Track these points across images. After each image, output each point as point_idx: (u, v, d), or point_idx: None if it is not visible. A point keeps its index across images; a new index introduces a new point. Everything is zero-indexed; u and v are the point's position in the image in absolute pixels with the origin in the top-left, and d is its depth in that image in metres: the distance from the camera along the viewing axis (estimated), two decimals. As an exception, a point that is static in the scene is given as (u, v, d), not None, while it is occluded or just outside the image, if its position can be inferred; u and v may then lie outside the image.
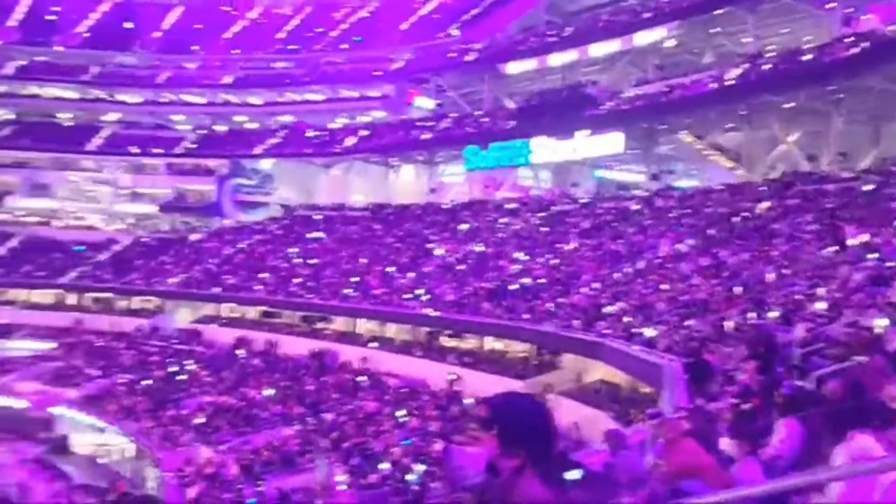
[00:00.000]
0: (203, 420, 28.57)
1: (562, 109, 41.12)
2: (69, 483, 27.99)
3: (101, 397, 33.05)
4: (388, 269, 36.76)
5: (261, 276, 40.84)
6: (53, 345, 40.95)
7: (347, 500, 19.89)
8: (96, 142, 58.35)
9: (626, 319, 22.46)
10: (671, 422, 5.85)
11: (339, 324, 36.27)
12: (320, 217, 48.53)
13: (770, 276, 20.07)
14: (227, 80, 59.83)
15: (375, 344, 33.14)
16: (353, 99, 55.43)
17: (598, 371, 23.98)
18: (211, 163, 56.70)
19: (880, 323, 10.17)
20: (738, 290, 20.09)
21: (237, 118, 60.08)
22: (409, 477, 20.46)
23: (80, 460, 31.50)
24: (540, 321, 26.17)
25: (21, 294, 48.54)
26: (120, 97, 60.48)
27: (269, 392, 30.13)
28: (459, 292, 31.36)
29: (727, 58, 38.30)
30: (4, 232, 53.28)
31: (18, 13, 63.61)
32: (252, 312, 40.33)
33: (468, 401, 25.39)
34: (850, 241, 19.87)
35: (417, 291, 32.73)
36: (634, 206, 35.13)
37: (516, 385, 23.09)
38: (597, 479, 6.11)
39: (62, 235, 52.85)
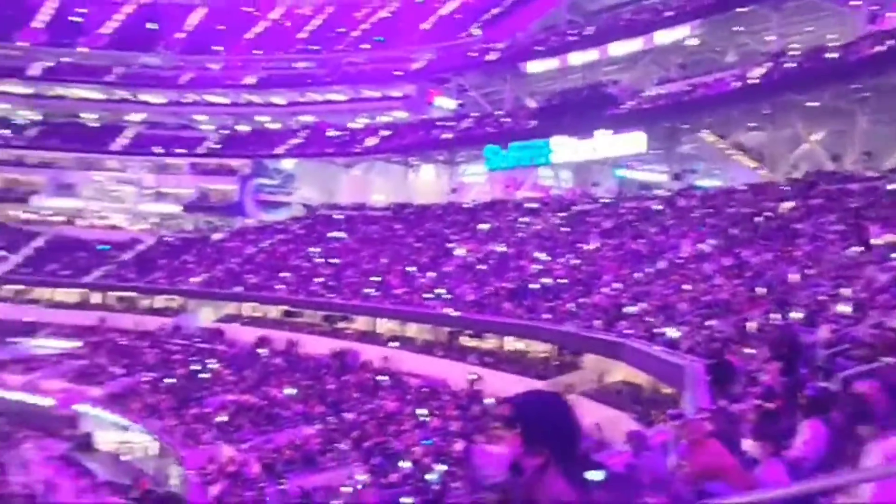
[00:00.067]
0: (225, 418, 28.76)
1: (583, 109, 40.98)
2: (94, 480, 28.28)
3: (125, 395, 33.35)
4: (409, 269, 36.81)
5: (282, 275, 41.04)
6: (78, 343, 41.37)
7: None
8: (121, 142, 58.93)
9: (647, 320, 22.36)
10: (694, 423, 5.83)
11: (360, 323, 36.38)
12: (341, 217, 48.69)
13: (793, 277, 19.92)
14: (250, 80, 60.21)
15: (396, 343, 33.21)
16: (375, 99, 55.57)
17: (620, 372, 23.90)
18: (233, 163, 57.09)
19: (906, 324, 10.06)
20: (761, 290, 19.96)
21: (259, 118, 60.44)
22: (429, 476, 20.51)
23: (104, 458, 31.83)
24: (561, 321, 26.11)
25: (46, 293, 49.13)
26: (144, 98, 61.06)
27: (290, 391, 30.29)
28: (480, 292, 31.36)
29: (750, 56, 38.01)
30: (30, 231, 53.97)
31: (44, 15, 64.37)
32: (274, 312, 40.55)
33: (488, 401, 25.41)
34: (874, 242, 19.69)
35: (438, 291, 32.76)
36: (656, 206, 34.94)
37: (537, 385, 23.06)
38: (619, 481, 6.10)
39: (87, 235, 53.43)
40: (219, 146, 58.36)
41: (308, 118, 58.47)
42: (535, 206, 41.14)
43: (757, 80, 34.31)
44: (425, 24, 58.73)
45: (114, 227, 55.26)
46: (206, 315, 43.08)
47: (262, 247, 47.15)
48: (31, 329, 44.20)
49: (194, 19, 65.93)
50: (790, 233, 24.88)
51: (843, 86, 31.82)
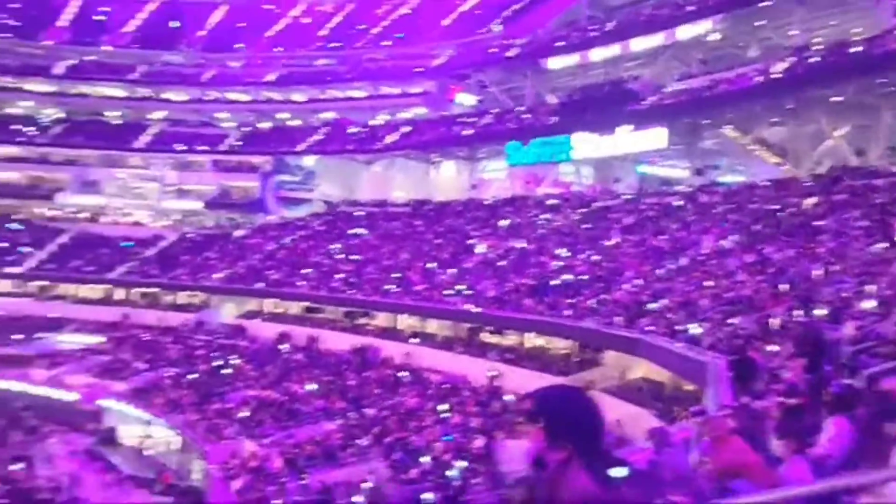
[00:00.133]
0: (247, 414, 28.93)
1: (604, 104, 40.80)
2: (118, 474, 28.58)
3: (148, 390, 33.64)
4: (430, 266, 36.85)
5: (303, 271, 41.22)
6: (102, 339, 41.79)
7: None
8: (143, 139, 59.44)
9: (669, 316, 22.26)
10: (716, 420, 5.80)
11: (381, 319, 36.48)
12: (362, 213, 48.81)
13: (817, 274, 19.74)
14: (271, 77, 60.54)
15: (417, 340, 33.27)
16: (395, 95, 55.67)
17: (641, 368, 23.81)
18: (255, 159, 57.44)
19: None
20: (784, 287, 19.79)
21: (280, 115, 60.75)
22: (449, 473, 20.54)
23: (127, 452, 32.14)
24: (582, 318, 26.04)
25: (71, 289, 49.70)
26: (166, 95, 61.55)
27: (311, 387, 30.43)
28: (500, 288, 31.33)
29: (773, 51, 37.65)
30: (55, 228, 54.63)
31: (69, 14, 65.03)
32: (295, 308, 40.74)
33: (508, 397, 25.40)
34: (900, 238, 19.45)
35: (459, 287, 32.76)
36: (677, 202, 34.74)
37: (557, 382, 22.99)
38: (641, 477, 6.08)
39: (110, 231, 53.99)
40: (240, 143, 58.75)
41: (329, 115, 58.68)
42: (555, 202, 41.04)
43: (780, 75, 33.99)
44: (446, 20, 58.73)
45: (137, 224, 55.80)
46: (228, 311, 43.37)
47: (284, 243, 47.39)
48: (56, 325, 44.73)
49: (216, 17, 66.37)
50: (814, 229, 24.66)
51: (868, 80, 31.46)
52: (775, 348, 13.77)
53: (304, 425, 27.53)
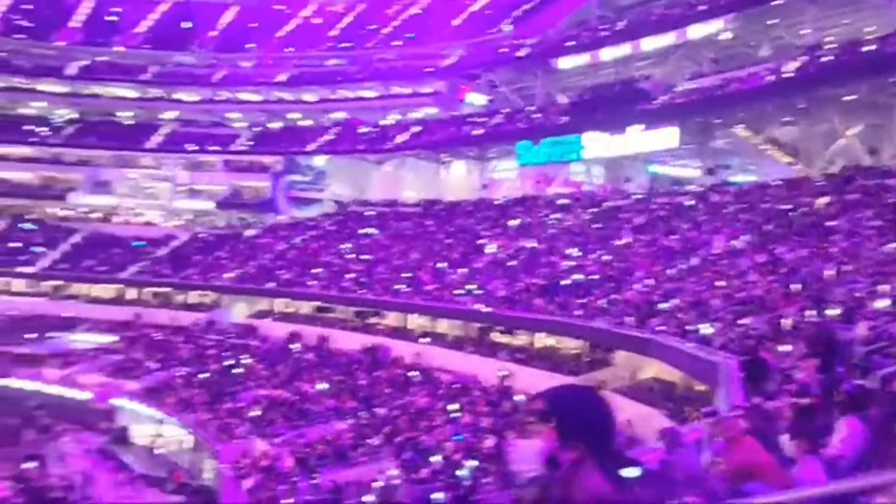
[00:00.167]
0: (258, 413, 29.02)
1: (615, 104, 40.70)
2: (130, 473, 28.71)
3: (160, 390, 33.78)
4: (440, 265, 36.87)
5: (314, 271, 41.31)
6: (115, 338, 41.99)
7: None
8: (155, 140, 59.70)
9: (680, 316, 22.19)
10: (729, 420, 5.79)
11: (391, 319, 36.52)
12: (373, 213, 48.89)
13: (829, 274, 19.65)
14: (282, 77, 60.71)
15: (427, 339, 33.29)
16: (406, 95, 55.72)
17: (652, 368, 23.76)
18: (266, 159, 57.61)
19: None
20: (796, 287, 19.70)
21: (291, 115, 60.90)
22: (460, 472, 20.54)
23: (139, 451, 32.29)
24: (592, 318, 26.00)
25: (83, 288, 49.98)
26: (178, 96, 61.81)
27: (322, 386, 30.49)
28: (511, 288, 31.32)
29: (785, 50, 37.47)
30: (68, 228, 54.95)
31: (81, 15, 65.37)
32: (306, 307, 40.84)
33: (519, 397, 25.40)
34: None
35: (469, 287, 32.77)
36: (689, 202, 34.65)
37: (567, 382, 22.95)
38: (654, 477, 6.08)
39: (122, 231, 54.28)
40: (251, 143, 58.93)
41: (339, 115, 58.78)
42: (566, 202, 40.99)
43: (792, 74, 33.84)
44: (456, 20, 58.75)
45: (148, 224, 56.06)
46: (239, 311, 43.52)
47: (294, 243, 47.51)
48: (69, 324, 45.00)
49: (227, 18, 66.60)
50: (826, 229, 24.54)
51: (881, 79, 31.27)
52: (787, 348, 13.72)
53: (314, 425, 27.59)
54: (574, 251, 32.94)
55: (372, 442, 25.01)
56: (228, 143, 59.24)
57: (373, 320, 37.08)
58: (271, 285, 42.05)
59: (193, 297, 46.97)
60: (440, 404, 26.83)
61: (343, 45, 62.42)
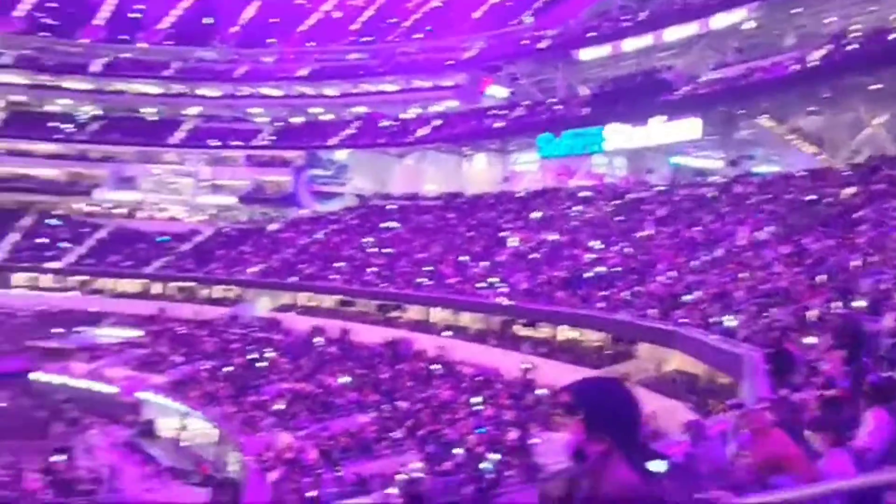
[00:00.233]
0: (282, 406, 29.19)
1: (637, 95, 40.47)
2: (157, 466, 29.02)
3: (185, 383, 34.07)
4: (462, 258, 36.88)
5: (336, 265, 41.48)
6: (140, 332, 42.40)
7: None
8: (178, 135, 60.17)
9: (703, 308, 22.07)
10: (755, 413, 5.75)
11: (413, 312, 36.59)
12: (394, 207, 48.97)
13: (855, 264, 19.44)
14: (303, 72, 60.92)
15: (449, 332, 33.33)
16: (427, 89, 55.74)
17: (675, 361, 23.64)
18: (288, 154, 57.85)
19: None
20: (821, 278, 19.52)
21: (313, 110, 61.12)
22: (483, 465, 20.56)
23: (165, 444, 32.59)
24: (615, 310, 25.91)
25: (109, 283, 50.57)
26: (200, 92, 62.24)
27: (345, 379, 30.62)
28: (533, 281, 31.28)
29: (810, 38, 37.05)
30: (94, 223, 55.55)
31: (104, 12, 65.93)
32: (328, 301, 41.02)
33: (541, 391, 25.38)
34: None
35: (491, 280, 32.76)
36: (712, 193, 34.40)
37: (591, 375, 22.93)
38: (679, 470, 6.07)
39: (147, 227, 54.79)
40: (273, 138, 59.24)
41: (361, 109, 58.91)
42: (588, 194, 40.84)
43: (817, 63, 33.48)
44: (476, 12, 58.66)
45: (172, 219, 56.53)
46: (262, 304, 43.80)
47: (317, 237, 47.71)
48: (95, 318, 45.52)
49: (249, 13, 66.95)
50: (852, 219, 24.27)
51: (908, 67, 30.85)
52: (813, 340, 13.61)
53: (338, 418, 27.71)
54: (596, 243, 32.83)
55: (395, 435, 25.09)
56: (250, 138, 59.59)
57: (395, 314, 37.16)
58: (294, 279, 42.28)
59: (217, 291, 47.35)
60: (463, 397, 26.85)
61: (364, 39, 62.57)
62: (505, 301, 30.59)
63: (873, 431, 5.39)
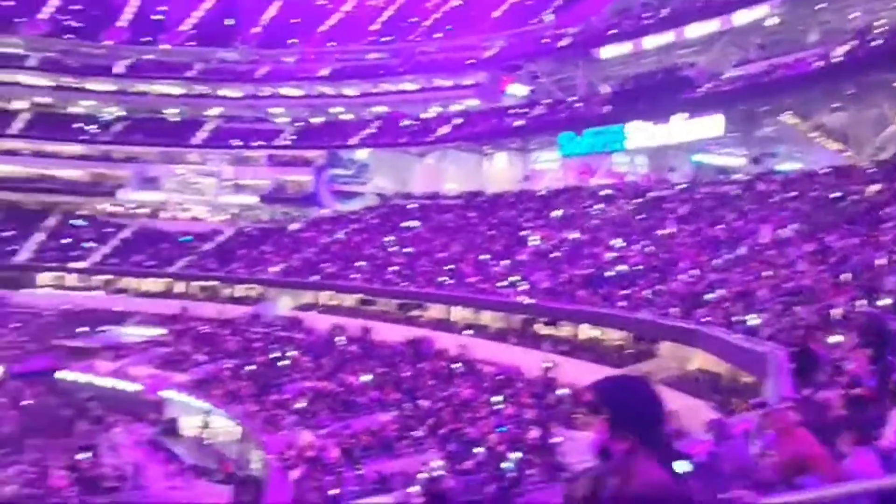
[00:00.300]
0: (304, 405, 29.31)
1: (658, 93, 40.26)
2: (180, 464, 29.24)
3: (208, 382, 34.30)
4: (483, 257, 36.87)
5: (357, 264, 41.60)
6: (164, 331, 42.74)
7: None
8: (201, 136, 60.62)
9: (726, 307, 21.93)
10: (780, 412, 5.72)
11: (434, 311, 36.61)
12: (415, 206, 49.04)
13: (881, 262, 19.24)
14: (324, 72, 61.15)
15: (470, 331, 33.32)
16: (447, 88, 55.75)
17: (697, 359, 23.51)
18: (309, 154, 58.11)
19: None
20: (846, 276, 19.34)
21: (333, 110, 61.34)
22: (504, 465, 20.55)
23: (188, 442, 32.83)
24: (637, 309, 25.80)
25: (133, 282, 51.03)
26: (222, 92, 62.66)
27: (366, 378, 30.70)
28: (554, 280, 31.21)
29: (833, 34, 36.65)
30: (117, 223, 56.11)
31: (128, 14, 66.52)
32: (349, 300, 41.14)
33: (563, 390, 25.32)
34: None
35: (512, 279, 32.72)
36: (734, 191, 34.15)
37: (613, 374, 22.82)
38: (703, 469, 6.04)
39: (170, 226, 55.24)
40: (294, 138, 59.55)
41: (381, 108, 59.06)
42: (609, 192, 40.67)
43: (841, 59, 33.11)
44: (497, 11, 58.56)
45: (195, 219, 56.94)
46: (284, 303, 44.00)
47: (338, 236, 47.88)
48: (119, 317, 45.95)
49: (270, 14, 67.26)
50: (877, 217, 23.99)
51: (934, 63, 30.46)
52: (838, 339, 13.49)
53: (359, 416, 27.79)
54: (618, 242, 32.69)
55: (416, 433, 25.13)
56: (272, 138, 59.92)
57: (415, 312, 37.21)
58: (315, 278, 42.44)
59: (240, 290, 47.64)
60: (484, 396, 26.85)
61: (384, 38, 62.67)
62: (526, 300, 30.53)
63: (900, 431, 5.34)
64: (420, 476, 21.15)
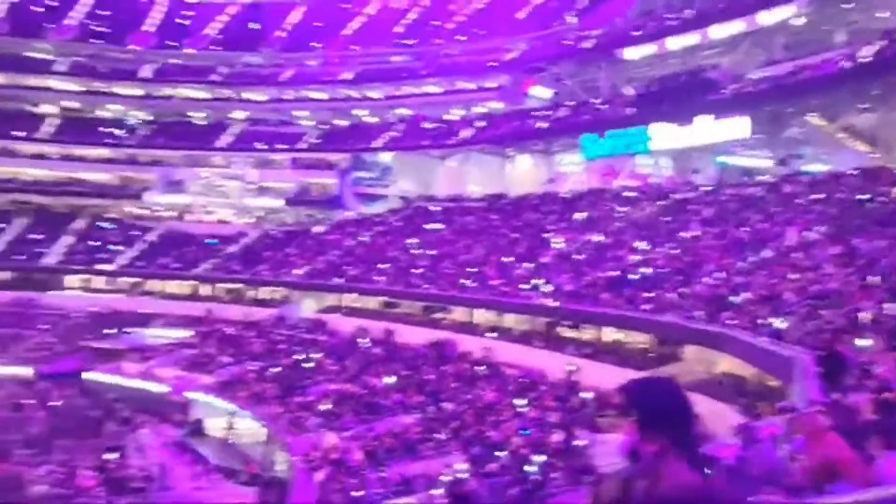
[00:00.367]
0: (328, 407, 29.42)
1: (682, 94, 40.04)
2: (206, 465, 29.46)
3: (234, 383, 34.52)
4: (506, 260, 36.83)
5: (381, 266, 41.71)
6: (189, 333, 43.08)
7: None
8: (226, 139, 61.12)
9: (752, 310, 21.75)
10: (809, 416, 5.68)
11: (458, 314, 36.63)
12: (438, 208, 49.07)
13: (910, 265, 19.03)
14: (347, 75, 61.41)
15: (494, 334, 33.29)
16: (470, 90, 55.80)
17: (722, 363, 23.33)
18: (332, 157, 58.38)
19: None
20: (873, 279, 19.13)
21: (357, 112, 61.59)
22: (528, 468, 20.51)
23: (214, 443, 33.07)
24: (661, 311, 25.66)
25: (158, 285, 51.49)
26: (247, 96, 63.15)
27: (389, 380, 30.76)
28: (578, 282, 31.12)
29: (861, 34, 36.26)
30: (144, 226, 56.69)
31: (154, 19, 67.21)
32: (373, 302, 41.25)
33: (586, 394, 25.23)
34: None
35: (535, 282, 32.66)
36: (760, 193, 33.87)
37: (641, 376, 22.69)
38: (731, 473, 6.02)
39: (195, 229, 55.68)
40: (318, 141, 59.85)
41: (404, 111, 59.19)
42: (633, 194, 40.48)
43: (869, 59, 32.75)
44: (519, 13, 58.52)
45: (220, 222, 57.35)
46: (308, 306, 44.18)
47: (362, 239, 48.03)
48: (145, 319, 46.40)
49: (294, 18, 67.66)
50: (905, 219, 23.73)
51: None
52: (866, 343, 13.36)
53: (383, 418, 27.85)
54: (642, 244, 32.53)
55: (439, 436, 25.14)
56: (296, 141, 60.26)
57: (439, 315, 37.24)
58: (339, 281, 42.61)
59: (264, 292, 47.92)
60: (507, 399, 26.80)
61: (407, 41, 62.82)
62: (550, 302, 30.46)
63: (930, 435, 5.30)
64: (443, 478, 21.18)
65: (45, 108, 61.85)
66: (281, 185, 58.55)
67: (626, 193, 40.98)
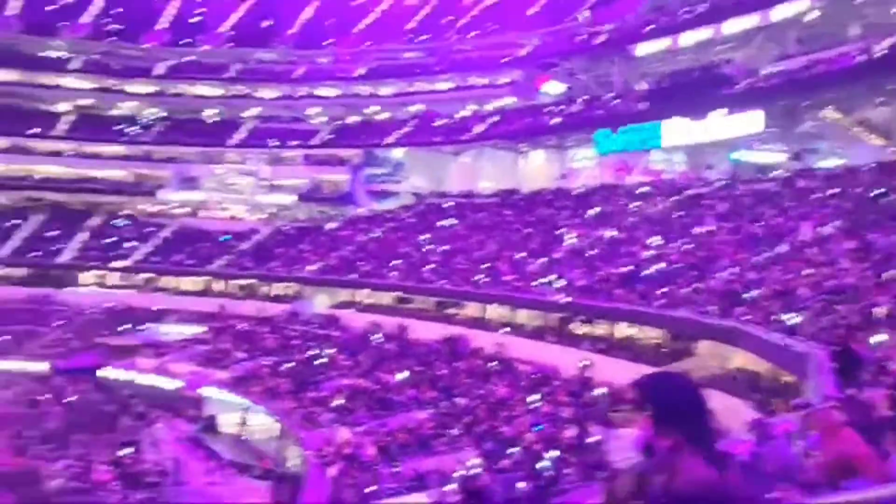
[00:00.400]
0: (341, 402, 29.49)
1: (695, 90, 39.85)
2: (219, 460, 29.63)
3: (247, 379, 34.65)
4: (519, 255, 36.80)
5: (394, 262, 41.76)
6: (203, 329, 43.30)
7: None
8: (239, 136, 61.30)
9: (766, 305, 21.66)
10: (824, 412, 5.66)
11: (470, 310, 36.63)
12: (451, 204, 49.07)
13: (926, 260, 18.90)
14: (360, 72, 61.44)
15: (506, 329, 33.29)
16: (482, 86, 55.68)
17: (736, 358, 23.25)
18: (345, 153, 58.46)
19: None
20: (889, 274, 19.01)
21: (369, 109, 61.58)
22: (541, 464, 20.51)
23: (228, 438, 33.24)
24: (675, 307, 25.59)
25: (172, 281, 51.78)
26: (260, 93, 63.27)
27: (402, 376, 30.81)
28: (591, 278, 31.07)
29: (875, 28, 35.94)
30: (158, 223, 56.98)
31: (167, 16, 67.43)
32: (386, 298, 41.31)
33: (600, 390, 25.20)
34: None
35: (548, 277, 32.62)
36: (774, 188, 33.69)
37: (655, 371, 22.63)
38: (745, 469, 6.00)
39: (209, 226, 55.93)
40: (331, 137, 59.91)
41: (417, 107, 59.17)
42: (646, 190, 40.35)
43: (884, 53, 32.49)
44: (532, 9, 58.32)
45: (233, 218, 57.55)
46: (321, 302, 44.29)
47: (374, 235, 48.10)
48: (160, 315, 46.66)
49: (306, 14, 67.68)
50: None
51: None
52: (881, 338, 13.29)
53: (396, 414, 27.90)
54: (655, 240, 32.44)
55: (452, 432, 25.17)
56: (308, 137, 60.37)
57: (452, 311, 37.26)
58: (352, 276, 42.69)
59: (277, 288, 48.10)
60: (520, 395, 26.79)
61: (419, 37, 62.76)
62: (562, 298, 30.43)
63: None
64: (456, 474, 21.21)
65: (59, 106, 62.16)
66: (294, 181, 58.67)
67: (639, 189, 40.85)
